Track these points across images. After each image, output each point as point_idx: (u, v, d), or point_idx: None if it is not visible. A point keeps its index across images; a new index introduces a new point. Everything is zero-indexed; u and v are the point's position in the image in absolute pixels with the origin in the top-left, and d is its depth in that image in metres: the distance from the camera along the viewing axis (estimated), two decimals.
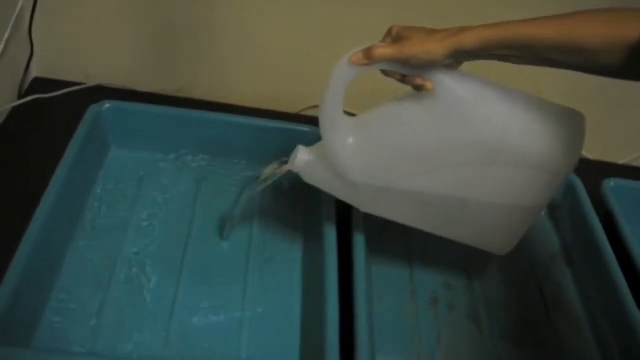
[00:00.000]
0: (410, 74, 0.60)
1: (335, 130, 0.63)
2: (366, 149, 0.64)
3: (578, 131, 0.62)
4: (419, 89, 0.60)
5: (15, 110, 0.88)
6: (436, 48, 0.56)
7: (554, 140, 0.61)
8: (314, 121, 0.89)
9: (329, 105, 0.62)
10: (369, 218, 0.76)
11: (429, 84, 0.59)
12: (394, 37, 0.60)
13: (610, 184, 0.91)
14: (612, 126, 1.04)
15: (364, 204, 0.68)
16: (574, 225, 0.87)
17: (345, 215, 0.76)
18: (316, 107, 1.00)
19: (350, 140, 0.64)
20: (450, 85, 0.59)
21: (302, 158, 0.66)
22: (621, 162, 1.07)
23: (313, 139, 0.83)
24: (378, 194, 0.66)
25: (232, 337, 0.68)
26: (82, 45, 0.96)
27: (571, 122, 0.63)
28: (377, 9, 0.88)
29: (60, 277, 0.70)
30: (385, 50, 0.58)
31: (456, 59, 0.58)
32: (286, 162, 0.68)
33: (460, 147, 0.61)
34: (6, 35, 0.84)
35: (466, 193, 0.64)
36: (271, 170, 0.70)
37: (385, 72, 0.61)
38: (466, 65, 0.61)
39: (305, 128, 0.86)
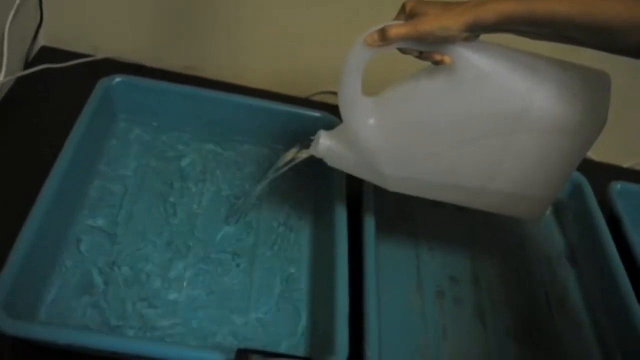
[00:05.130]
0: (428, 50, 0.59)
1: (355, 112, 0.62)
2: (388, 129, 0.63)
3: (603, 91, 0.61)
4: (437, 63, 0.60)
5: (22, 78, 0.86)
6: (453, 23, 0.55)
7: (579, 102, 0.60)
8: (324, 106, 0.90)
9: (347, 88, 0.61)
10: (378, 206, 0.76)
11: (447, 59, 0.58)
12: (408, 13, 0.59)
13: (617, 187, 0.92)
14: (618, 129, 1.05)
15: (391, 183, 0.67)
16: (579, 225, 0.87)
17: (355, 199, 0.76)
18: (327, 92, 1.00)
19: (371, 121, 0.63)
20: (470, 58, 0.58)
21: (325, 143, 0.66)
22: (626, 165, 1.08)
23: (324, 125, 0.83)
24: (404, 173, 0.65)
25: (238, 316, 0.68)
26: (92, 16, 0.94)
27: (595, 83, 0.61)
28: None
29: (65, 250, 0.69)
30: (400, 30, 0.56)
31: (473, 33, 0.57)
32: (306, 147, 0.67)
33: (484, 117, 0.60)
34: (17, 1, 0.82)
35: (494, 163, 0.64)
36: (291, 155, 0.69)
37: (402, 50, 0.60)
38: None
39: (317, 113, 0.85)
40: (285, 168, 0.70)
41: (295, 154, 0.69)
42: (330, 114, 0.84)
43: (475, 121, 0.61)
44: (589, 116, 0.61)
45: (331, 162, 0.67)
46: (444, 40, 0.57)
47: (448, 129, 0.62)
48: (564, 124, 0.60)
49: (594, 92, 0.61)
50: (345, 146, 0.65)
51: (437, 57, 0.59)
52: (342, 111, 0.63)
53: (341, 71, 0.60)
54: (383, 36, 0.57)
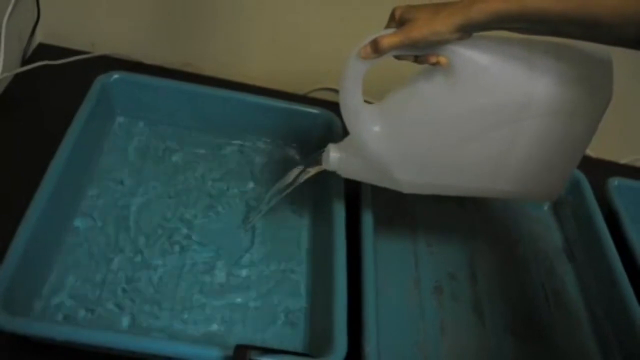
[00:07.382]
0: (423, 54, 0.59)
1: (360, 122, 0.63)
2: (394, 134, 0.63)
3: (604, 68, 0.61)
4: (434, 65, 0.60)
5: (19, 76, 0.86)
6: (443, 27, 0.55)
7: (581, 82, 0.60)
8: (323, 103, 0.90)
9: (348, 100, 0.61)
10: (376, 202, 0.76)
11: (443, 59, 0.59)
12: (398, 20, 0.59)
13: (614, 183, 0.92)
14: (616, 125, 1.05)
15: (406, 186, 0.67)
16: (577, 221, 0.87)
17: (353, 195, 0.76)
18: (325, 89, 1.00)
19: (377, 128, 0.63)
20: (465, 55, 0.58)
21: (335, 156, 0.66)
22: (623, 161, 1.08)
23: (322, 121, 0.84)
24: (416, 175, 0.65)
25: (237, 313, 0.68)
26: (90, 13, 0.94)
27: (595, 61, 0.61)
28: None
29: (63, 247, 0.69)
30: (391, 39, 0.57)
31: (465, 33, 0.57)
32: (312, 165, 0.68)
33: (487, 111, 0.61)
34: None
35: (504, 153, 0.64)
36: (295, 174, 0.70)
37: (397, 56, 0.60)
38: None
39: (316, 110, 0.85)
40: (296, 184, 0.70)
41: (298, 174, 0.69)
42: (329, 110, 0.84)
43: (479, 115, 0.61)
44: (592, 95, 0.61)
45: (344, 173, 0.68)
46: (437, 44, 0.57)
47: (453, 126, 0.62)
48: (567, 105, 0.61)
49: (594, 70, 0.61)
50: (354, 156, 0.65)
51: (433, 59, 0.59)
52: (347, 122, 0.63)
53: (340, 84, 0.60)
54: (376, 48, 0.57)
